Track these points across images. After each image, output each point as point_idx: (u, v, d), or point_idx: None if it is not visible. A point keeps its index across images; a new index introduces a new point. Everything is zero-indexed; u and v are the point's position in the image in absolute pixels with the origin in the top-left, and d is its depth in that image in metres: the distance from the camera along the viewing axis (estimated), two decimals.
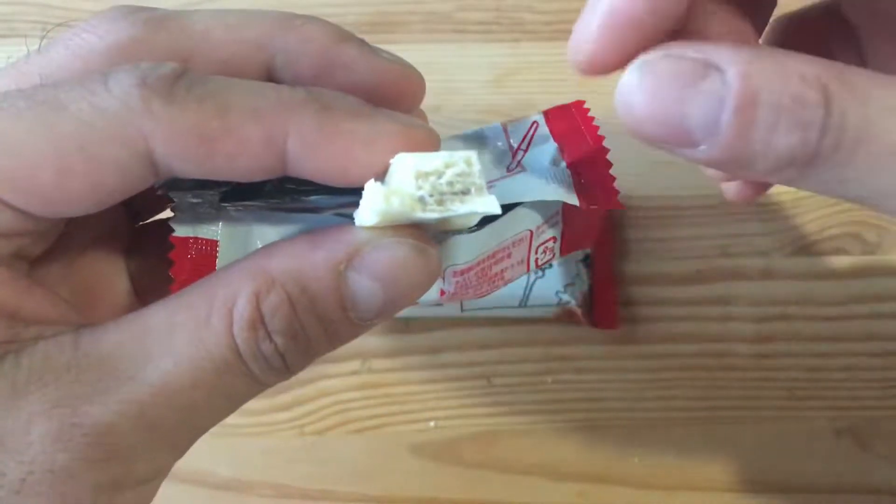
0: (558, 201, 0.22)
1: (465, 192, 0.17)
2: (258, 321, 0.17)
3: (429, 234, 0.19)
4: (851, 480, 0.33)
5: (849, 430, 0.34)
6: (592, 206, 0.22)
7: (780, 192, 0.36)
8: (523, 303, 0.33)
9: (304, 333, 0.18)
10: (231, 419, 0.34)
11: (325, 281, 0.17)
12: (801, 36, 0.25)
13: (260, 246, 0.19)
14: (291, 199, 0.20)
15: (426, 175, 0.17)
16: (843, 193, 0.17)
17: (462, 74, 0.38)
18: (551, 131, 0.24)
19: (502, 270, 0.23)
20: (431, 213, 0.17)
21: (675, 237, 0.36)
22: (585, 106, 0.24)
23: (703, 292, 0.35)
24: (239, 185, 0.19)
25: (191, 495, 0.32)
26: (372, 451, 0.33)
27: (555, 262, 0.33)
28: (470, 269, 0.22)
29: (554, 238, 0.24)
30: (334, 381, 0.34)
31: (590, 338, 0.34)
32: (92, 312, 0.21)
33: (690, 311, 0.35)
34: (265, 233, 0.20)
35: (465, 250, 0.22)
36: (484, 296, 0.23)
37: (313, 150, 0.17)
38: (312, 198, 0.20)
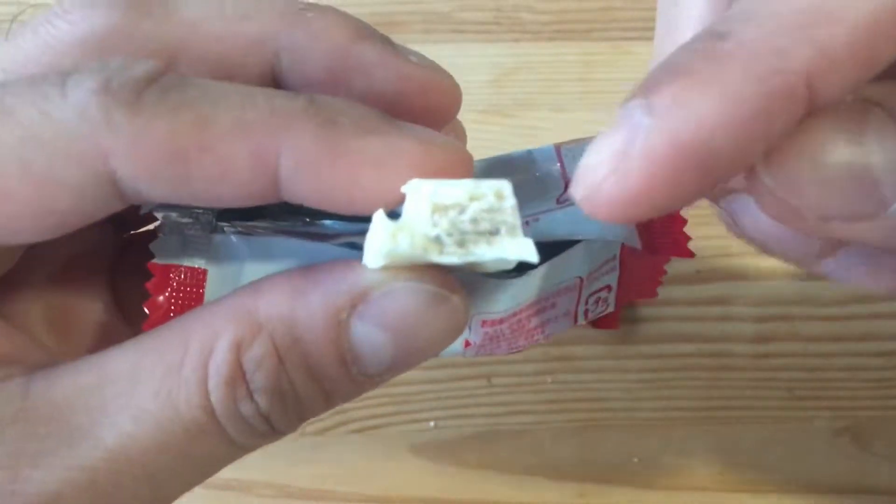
0: (616, 242, 0.19)
1: (494, 233, 0.14)
2: (238, 376, 0.14)
3: (455, 276, 0.15)
4: (851, 480, 0.33)
5: (848, 429, 0.34)
6: (658, 253, 0.18)
7: None
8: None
9: (294, 392, 0.15)
10: None
11: (322, 330, 0.14)
12: None
13: (253, 270, 0.17)
14: (302, 223, 0.17)
15: (445, 209, 0.14)
16: None
17: (461, 75, 0.37)
18: None
19: (543, 323, 0.19)
20: (449, 258, 0.14)
21: None
22: None
23: (703, 292, 0.35)
24: None
25: (189, 495, 0.32)
26: (372, 451, 0.33)
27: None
28: (503, 320, 0.18)
29: (609, 287, 0.20)
30: None
31: (590, 338, 0.34)
32: (68, 341, 0.18)
33: (690, 311, 0.35)
34: (263, 265, 0.17)
35: (501, 298, 0.18)
36: (518, 351, 0.20)
37: (311, 173, 0.14)
38: (327, 222, 0.17)
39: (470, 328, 0.18)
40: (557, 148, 0.20)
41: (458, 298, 0.15)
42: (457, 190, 0.14)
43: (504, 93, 0.37)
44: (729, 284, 0.35)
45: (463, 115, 0.38)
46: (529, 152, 0.20)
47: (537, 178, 0.19)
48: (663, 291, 0.35)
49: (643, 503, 0.33)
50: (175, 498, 0.16)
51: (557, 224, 0.18)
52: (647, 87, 0.13)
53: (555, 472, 0.33)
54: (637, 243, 0.19)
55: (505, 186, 0.14)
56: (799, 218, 0.14)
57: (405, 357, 0.15)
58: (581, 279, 0.19)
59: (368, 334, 0.15)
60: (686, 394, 0.34)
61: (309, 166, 0.14)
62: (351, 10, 0.34)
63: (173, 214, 0.16)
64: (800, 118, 0.13)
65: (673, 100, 0.12)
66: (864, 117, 0.13)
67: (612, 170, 0.13)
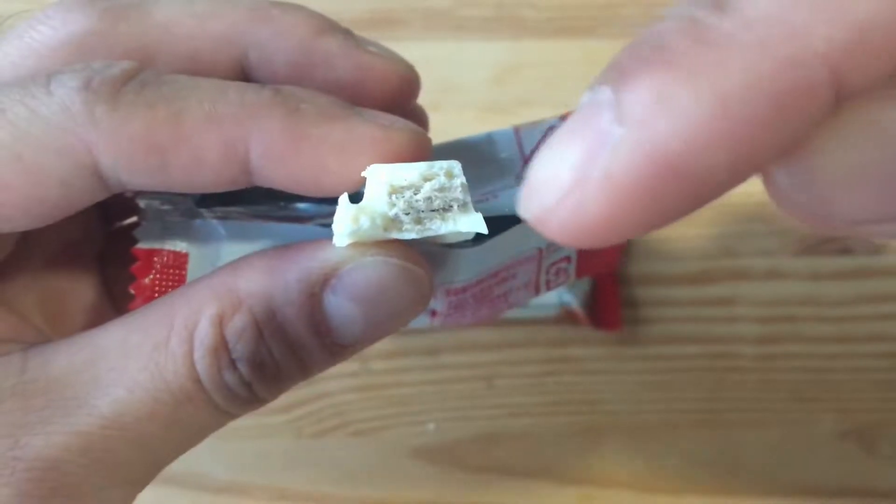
0: None
1: (447, 209, 0.15)
2: (221, 347, 0.16)
3: (421, 249, 0.17)
4: (857, 483, 0.33)
5: (854, 431, 0.33)
6: None
7: None
8: (524, 303, 0.32)
9: (273, 361, 0.16)
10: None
11: (297, 303, 0.16)
12: None
13: (232, 253, 0.18)
14: (277, 206, 0.18)
15: (401, 190, 0.15)
16: None
17: (462, 72, 0.37)
18: None
19: (506, 293, 0.21)
20: (408, 234, 0.15)
21: (679, 237, 0.35)
22: None
23: (707, 293, 0.35)
24: None
25: (188, 498, 0.32)
26: (371, 453, 0.33)
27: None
28: (466, 289, 0.20)
29: (568, 258, 0.21)
30: (333, 382, 0.33)
31: (592, 339, 0.34)
32: (60, 325, 0.19)
33: (694, 311, 0.34)
34: (241, 246, 0.18)
35: (464, 267, 0.20)
36: (482, 320, 0.21)
37: (279, 160, 0.15)
38: (300, 205, 0.18)
39: (435, 298, 0.20)
40: (517, 130, 0.21)
41: (423, 271, 0.16)
42: (411, 172, 0.15)
43: (505, 90, 0.37)
44: (733, 285, 0.35)
45: (463, 113, 0.38)
46: (489, 135, 0.21)
47: (496, 159, 0.21)
48: (666, 292, 0.34)
49: None
50: (165, 464, 0.17)
51: (516, 199, 0.19)
52: (621, 71, 0.11)
53: (556, 475, 0.33)
54: None
55: (454, 166, 0.15)
56: (824, 221, 0.12)
57: (375, 327, 0.16)
58: (540, 250, 0.20)
59: (340, 306, 0.16)
60: (689, 396, 0.34)
61: (276, 153, 0.15)
62: (353, 7, 0.34)
63: (155, 202, 0.17)
64: (824, 116, 0.10)
65: (652, 99, 0.10)
66: None
67: (566, 191, 0.11)
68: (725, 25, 0.10)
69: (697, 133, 0.10)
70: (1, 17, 0.18)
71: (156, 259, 0.17)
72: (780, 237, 0.35)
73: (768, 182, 0.12)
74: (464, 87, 0.37)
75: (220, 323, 0.16)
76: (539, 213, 0.11)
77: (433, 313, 0.20)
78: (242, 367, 0.16)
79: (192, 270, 0.18)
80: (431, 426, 0.33)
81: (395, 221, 0.15)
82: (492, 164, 0.21)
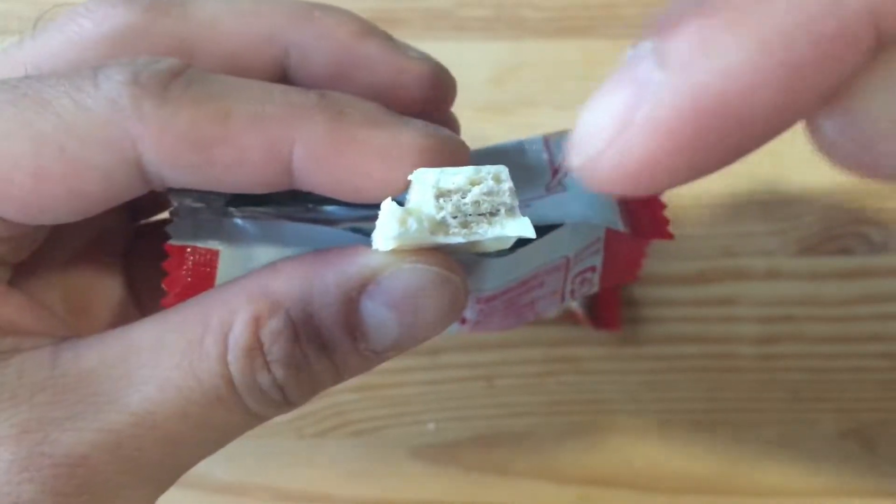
0: (600, 226, 0.20)
1: (494, 214, 0.15)
2: (256, 349, 0.15)
3: (455, 258, 0.17)
4: (857, 483, 0.33)
5: (854, 432, 0.33)
6: (640, 236, 0.19)
7: (784, 190, 0.36)
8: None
9: (308, 364, 0.16)
10: None
11: (334, 307, 0.16)
12: None
13: (264, 260, 0.18)
14: (306, 209, 0.18)
15: (448, 194, 0.15)
16: None
17: (462, 72, 0.37)
18: None
19: (533, 301, 0.21)
20: (455, 238, 0.15)
21: (678, 237, 0.35)
22: None
23: (706, 293, 0.35)
24: None
25: (188, 498, 0.32)
26: (371, 453, 0.33)
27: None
28: (496, 297, 0.20)
29: (593, 268, 0.21)
30: None
31: (592, 339, 0.34)
32: (85, 321, 0.19)
33: (694, 311, 0.34)
34: (271, 247, 0.18)
35: (493, 275, 0.20)
36: (510, 328, 0.21)
37: (322, 163, 0.15)
38: (329, 208, 0.18)
39: (469, 306, 0.20)
40: (546, 139, 0.21)
41: (459, 279, 0.16)
42: (459, 176, 0.15)
43: (505, 90, 0.37)
44: (732, 285, 0.35)
45: (463, 113, 0.38)
46: (520, 142, 0.21)
47: (527, 167, 0.21)
48: (666, 292, 0.34)
49: None
50: (192, 464, 0.17)
51: (546, 210, 0.19)
52: (662, 26, 0.11)
53: (556, 474, 0.33)
54: (621, 226, 0.20)
55: (502, 171, 0.15)
56: (871, 170, 0.12)
57: (409, 334, 0.16)
58: (568, 259, 0.20)
59: (376, 312, 0.16)
60: (689, 396, 0.34)
61: (320, 156, 0.15)
62: (354, 7, 0.34)
63: (187, 200, 0.17)
64: (867, 60, 0.10)
65: (694, 45, 0.10)
66: None
67: (611, 139, 0.11)
68: None
69: (740, 75, 0.10)
70: (37, 7, 0.18)
71: (188, 255, 0.17)
72: (780, 237, 0.35)
73: (814, 131, 0.12)
74: (464, 87, 0.37)
75: (256, 324, 0.15)
76: (586, 161, 0.12)
77: (463, 321, 0.20)
78: (276, 370, 0.16)
79: (223, 268, 0.18)
80: (432, 426, 0.33)
81: (442, 225, 0.15)
82: (523, 172, 0.20)
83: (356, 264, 0.16)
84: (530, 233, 0.15)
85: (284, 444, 0.33)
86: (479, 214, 0.15)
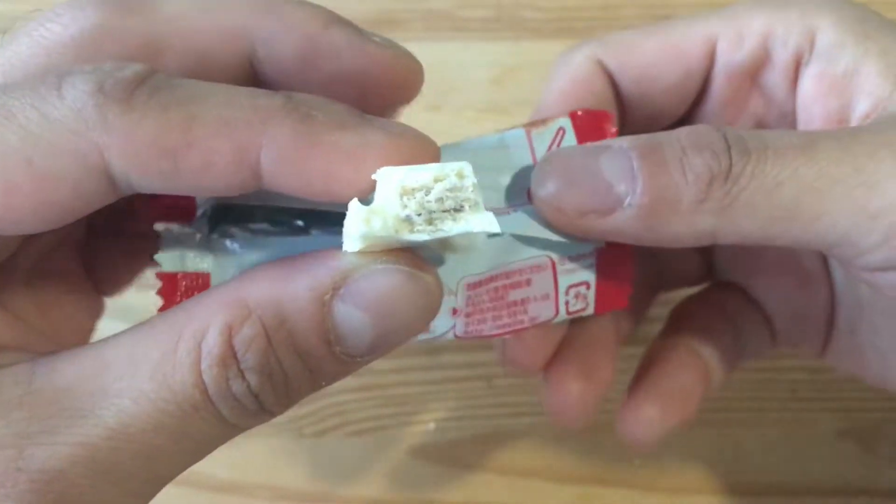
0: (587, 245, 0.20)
1: (458, 210, 0.15)
2: (229, 356, 0.15)
3: (427, 256, 0.17)
4: (855, 482, 0.33)
5: (852, 431, 0.33)
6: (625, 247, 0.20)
7: None
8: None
9: (282, 371, 0.16)
10: None
11: (307, 312, 0.15)
12: (706, 314, 0.26)
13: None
14: (288, 226, 0.18)
15: (412, 192, 0.15)
16: (766, 227, 0.18)
17: (462, 73, 0.37)
18: (580, 141, 0.21)
19: (523, 301, 0.21)
20: (420, 235, 0.15)
21: None
22: (612, 123, 0.21)
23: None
24: (227, 205, 0.18)
25: (188, 498, 0.32)
26: (371, 453, 0.33)
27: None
28: (480, 283, 0.20)
29: (587, 284, 0.21)
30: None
31: None
32: (61, 325, 0.19)
33: None
34: (259, 260, 0.18)
35: (479, 259, 0.20)
36: (505, 331, 0.21)
37: (290, 165, 0.15)
38: (306, 220, 0.18)
39: (456, 294, 0.20)
40: (528, 131, 0.21)
41: (431, 277, 0.16)
42: (423, 174, 0.15)
43: (505, 91, 0.37)
44: None
45: (463, 113, 0.38)
46: (501, 138, 0.21)
47: (509, 166, 0.20)
48: (666, 292, 0.34)
49: None
50: (171, 477, 0.16)
51: (527, 222, 0.19)
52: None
53: (555, 474, 0.33)
54: (602, 242, 0.20)
55: (465, 167, 0.15)
56: (564, 216, 0.19)
57: (385, 336, 0.16)
58: (552, 261, 0.20)
59: (349, 314, 0.16)
60: None
61: (287, 159, 0.15)
62: (354, 8, 0.34)
63: (173, 228, 0.18)
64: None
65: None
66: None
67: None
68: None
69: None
70: (13, 18, 0.18)
71: (179, 282, 0.18)
72: None
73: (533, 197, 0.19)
74: (464, 88, 0.37)
75: (229, 332, 0.15)
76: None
77: (454, 311, 0.20)
78: (251, 378, 0.15)
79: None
80: (431, 426, 0.33)
81: (406, 222, 0.15)
82: (504, 171, 0.20)
83: (327, 267, 0.16)
84: (495, 228, 0.15)
85: (285, 443, 0.33)
86: (444, 211, 0.15)
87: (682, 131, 0.18)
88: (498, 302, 0.20)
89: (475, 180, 0.15)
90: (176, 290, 0.18)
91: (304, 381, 0.16)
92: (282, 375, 0.16)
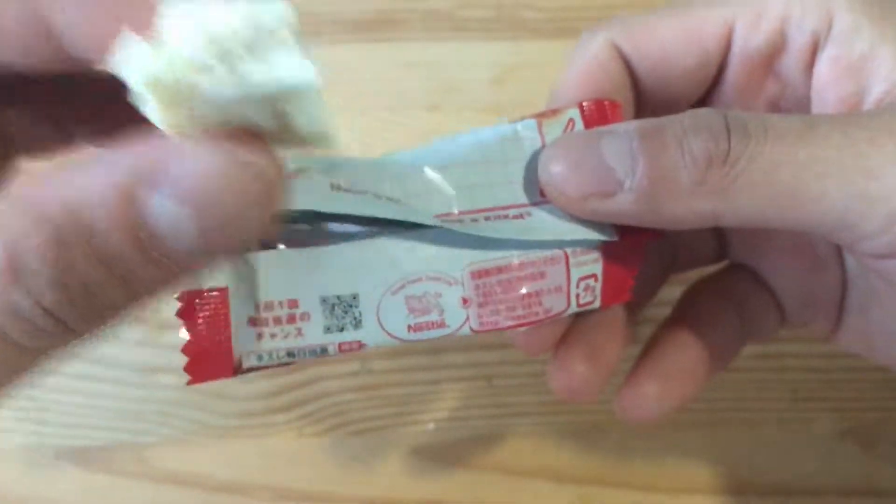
0: (596, 241, 0.20)
1: (269, 58, 0.13)
2: (14, 270, 0.13)
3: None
4: (855, 482, 0.33)
5: (852, 431, 0.33)
6: (634, 237, 0.20)
7: None
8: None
9: (82, 282, 0.13)
10: (230, 421, 0.34)
11: (108, 208, 0.13)
12: (713, 298, 0.26)
13: (272, 286, 0.18)
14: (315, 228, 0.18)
15: (214, 33, 0.13)
16: (767, 210, 0.18)
17: (462, 73, 0.37)
18: None
19: (537, 293, 0.20)
20: (221, 87, 0.13)
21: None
22: (621, 112, 0.21)
23: None
24: None
25: (189, 497, 0.32)
26: (371, 452, 0.33)
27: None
28: (488, 272, 0.20)
29: (595, 276, 0.21)
30: (334, 382, 0.34)
31: None
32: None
33: None
34: (278, 270, 0.18)
35: (488, 243, 0.19)
36: (521, 323, 0.20)
37: (79, 23, 0.15)
38: (340, 226, 0.18)
39: (463, 283, 0.19)
40: (539, 123, 0.21)
41: (267, 162, 0.14)
42: (228, 13, 0.13)
43: (505, 91, 0.37)
44: None
45: (462, 113, 0.38)
46: (514, 130, 0.21)
47: (521, 160, 0.20)
48: (664, 292, 0.34)
49: None
50: None
51: (545, 224, 0.20)
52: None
53: (555, 473, 0.33)
54: (613, 234, 0.20)
55: (280, 7, 0.13)
56: (568, 199, 0.19)
57: (213, 231, 0.14)
58: (565, 253, 0.20)
59: (164, 208, 0.13)
60: None
61: (75, 17, 0.15)
62: (355, 8, 0.34)
63: None
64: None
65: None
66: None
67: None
68: None
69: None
70: None
71: (197, 301, 0.18)
72: None
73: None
74: (464, 88, 0.37)
75: (15, 241, 0.13)
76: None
77: (465, 301, 0.20)
78: (42, 292, 0.13)
79: (235, 304, 0.18)
80: (431, 425, 0.33)
81: (203, 70, 0.13)
82: (516, 163, 0.20)
83: (132, 155, 0.13)
84: (310, 76, 0.13)
85: (284, 443, 0.33)
86: (254, 59, 0.13)
87: (685, 114, 0.19)
88: (511, 293, 0.20)
89: (292, 21, 0.13)
90: (194, 311, 0.18)
91: (114, 291, 0.14)
92: (80, 286, 0.13)
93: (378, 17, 0.38)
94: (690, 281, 0.35)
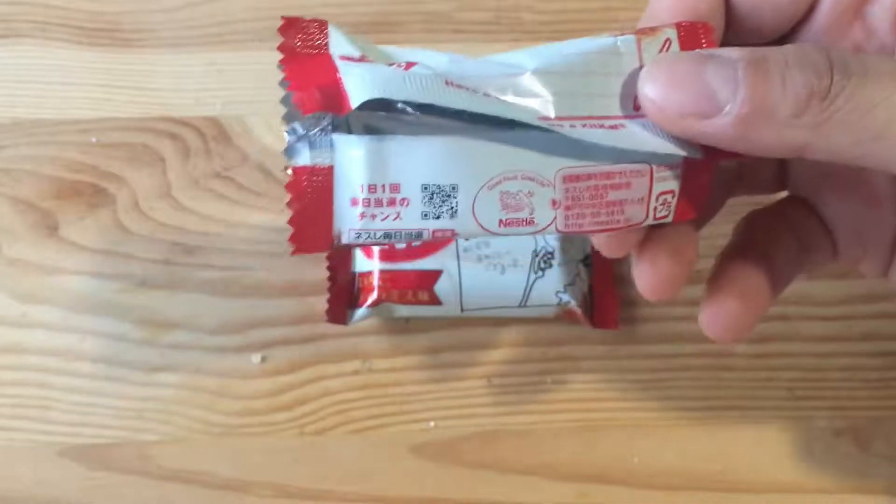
0: (679, 156, 0.21)
1: None
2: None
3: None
4: (851, 480, 0.33)
5: (848, 429, 0.34)
6: (712, 156, 0.21)
7: None
8: (523, 303, 0.33)
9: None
10: (231, 419, 0.34)
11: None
12: (773, 224, 0.27)
13: (374, 165, 0.19)
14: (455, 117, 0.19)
15: None
16: (855, 146, 0.19)
17: None
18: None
19: (621, 202, 0.21)
20: None
21: None
22: (713, 35, 0.22)
23: (702, 292, 0.35)
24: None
25: (191, 495, 0.32)
26: (372, 451, 0.33)
27: (555, 263, 0.32)
28: (578, 177, 0.21)
29: (673, 192, 0.22)
30: (335, 381, 0.34)
31: (590, 338, 0.34)
32: None
33: (690, 310, 0.34)
34: (382, 155, 0.19)
35: (574, 150, 0.21)
36: (602, 229, 0.22)
37: None
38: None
39: (554, 186, 0.20)
40: (639, 40, 0.22)
41: None
42: None
43: None
44: None
45: None
46: (615, 44, 0.22)
47: (619, 74, 0.21)
48: (683, 291, 0.35)
49: (643, 503, 0.33)
50: None
51: (637, 138, 0.21)
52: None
53: (555, 472, 0.33)
54: (699, 153, 0.21)
55: None
56: (665, 116, 0.20)
57: None
58: (651, 168, 0.21)
59: None
60: (686, 394, 0.34)
61: None
62: (354, 10, 0.34)
63: (297, 126, 0.19)
64: None
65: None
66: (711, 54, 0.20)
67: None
68: None
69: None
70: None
71: (305, 175, 0.19)
72: None
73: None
74: None
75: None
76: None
77: (554, 202, 0.21)
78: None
79: (338, 180, 0.19)
80: (431, 424, 0.33)
81: None
82: (615, 77, 0.21)
83: None
84: None
85: (286, 441, 0.33)
86: None
87: (789, 48, 0.19)
88: (597, 200, 0.21)
89: None
90: (300, 184, 0.19)
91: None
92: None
93: (378, 19, 0.38)
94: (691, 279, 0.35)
